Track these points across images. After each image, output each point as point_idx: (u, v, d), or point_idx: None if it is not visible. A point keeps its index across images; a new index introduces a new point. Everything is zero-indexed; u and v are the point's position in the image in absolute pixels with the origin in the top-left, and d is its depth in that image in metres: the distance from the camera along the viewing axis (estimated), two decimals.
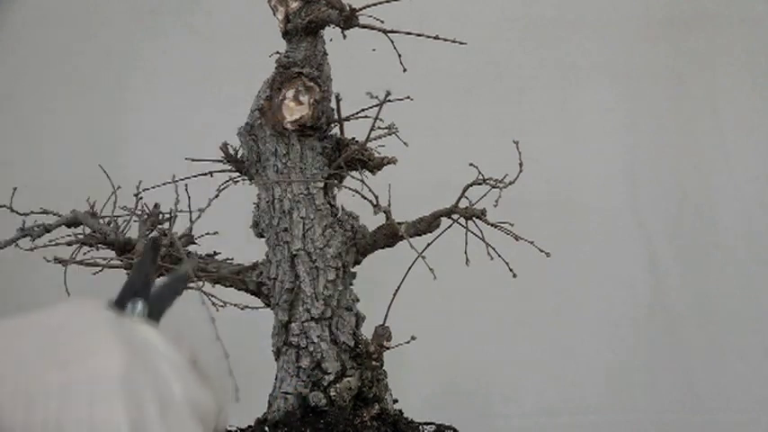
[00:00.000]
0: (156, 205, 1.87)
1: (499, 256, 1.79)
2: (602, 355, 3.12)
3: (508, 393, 3.10)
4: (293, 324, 1.82)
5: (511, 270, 1.79)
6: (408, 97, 1.77)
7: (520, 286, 3.01)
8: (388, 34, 1.70)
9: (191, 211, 1.78)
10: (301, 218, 1.81)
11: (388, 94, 1.73)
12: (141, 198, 1.85)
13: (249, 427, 1.85)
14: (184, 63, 3.14)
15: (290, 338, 1.82)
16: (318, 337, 1.81)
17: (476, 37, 3.18)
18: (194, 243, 1.86)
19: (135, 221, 1.83)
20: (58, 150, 3.07)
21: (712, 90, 3.20)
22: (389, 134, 1.83)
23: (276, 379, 1.86)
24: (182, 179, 1.80)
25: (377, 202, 1.82)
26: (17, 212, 1.79)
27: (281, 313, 1.82)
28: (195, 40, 3.15)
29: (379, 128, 1.81)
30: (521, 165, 1.79)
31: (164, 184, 1.84)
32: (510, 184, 1.81)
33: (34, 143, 3.08)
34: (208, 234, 1.85)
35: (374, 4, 1.67)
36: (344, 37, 1.71)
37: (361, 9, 1.69)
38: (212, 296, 1.74)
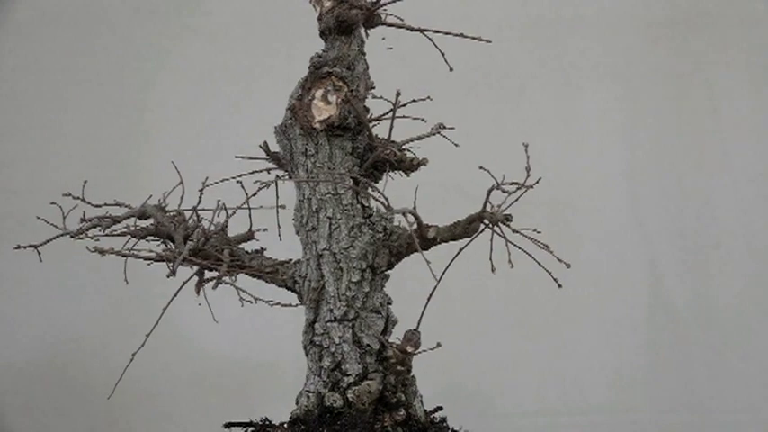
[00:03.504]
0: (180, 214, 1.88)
1: (536, 261, 1.76)
2: (602, 354, 3.12)
3: (508, 393, 3.10)
4: (317, 324, 1.82)
5: (555, 280, 1.77)
6: (429, 97, 1.76)
7: (520, 287, 3.02)
8: (425, 33, 1.70)
9: (249, 208, 1.79)
10: (328, 218, 1.81)
11: (399, 94, 1.73)
12: (203, 194, 1.86)
13: (284, 422, 1.85)
14: (184, 63, 3.14)
15: (314, 337, 1.83)
16: (340, 337, 1.80)
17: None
18: (253, 239, 1.88)
19: (204, 219, 1.85)
20: (58, 150, 3.07)
21: (712, 90, 3.20)
22: (434, 134, 1.83)
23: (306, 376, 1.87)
24: (237, 177, 1.82)
25: (388, 203, 1.81)
26: (90, 204, 1.81)
27: (308, 312, 1.83)
28: (195, 40, 3.15)
29: (432, 129, 1.84)
30: (528, 169, 1.76)
31: (222, 180, 1.85)
32: (521, 187, 1.79)
33: (34, 143, 3.08)
34: (260, 230, 1.87)
35: (386, 3, 1.68)
36: (367, 36, 1.72)
37: (376, 8, 1.70)
38: (244, 291, 1.75)
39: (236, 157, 1.90)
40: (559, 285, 1.76)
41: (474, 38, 1.70)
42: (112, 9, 3.13)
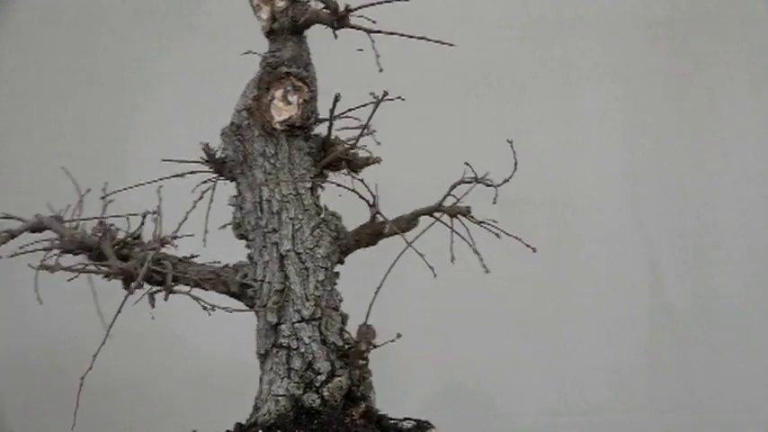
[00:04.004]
0: (102, 223, 1.78)
1: (476, 252, 1.78)
2: (603, 354, 3.12)
3: (508, 393, 3.10)
4: (283, 325, 1.81)
5: (484, 266, 1.77)
6: (400, 97, 1.76)
7: (520, 287, 3.02)
8: (379, 34, 1.69)
9: (159, 214, 1.74)
10: (290, 219, 1.81)
11: (386, 94, 1.73)
12: (111, 201, 1.80)
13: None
14: (184, 63, 3.14)
15: (279, 340, 1.81)
16: (309, 337, 1.81)
17: (476, 37, 3.20)
18: (171, 245, 1.80)
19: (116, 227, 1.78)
20: (58, 150, 3.07)
21: (712, 90, 3.20)
22: (366, 135, 1.83)
23: (261, 382, 1.85)
24: (155, 180, 1.78)
25: (374, 201, 1.83)
26: None
27: (270, 315, 1.81)
28: (195, 40, 3.15)
29: (359, 128, 1.82)
30: (516, 164, 1.78)
31: (136, 185, 1.82)
32: (505, 182, 1.81)
33: (34, 143, 3.08)
34: (186, 236, 1.80)
35: (369, 5, 1.67)
36: (336, 37, 1.71)
37: (355, 9, 1.69)
38: (200, 300, 1.71)
39: (164, 160, 1.88)
40: (486, 271, 1.76)
41: (435, 41, 1.68)
42: (112, 9, 3.13)
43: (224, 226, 1.86)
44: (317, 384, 1.80)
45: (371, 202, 1.84)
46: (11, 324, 3.02)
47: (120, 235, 1.78)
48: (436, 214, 1.86)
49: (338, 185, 1.88)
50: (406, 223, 1.86)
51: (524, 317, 3.09)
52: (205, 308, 1.70)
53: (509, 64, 3.18)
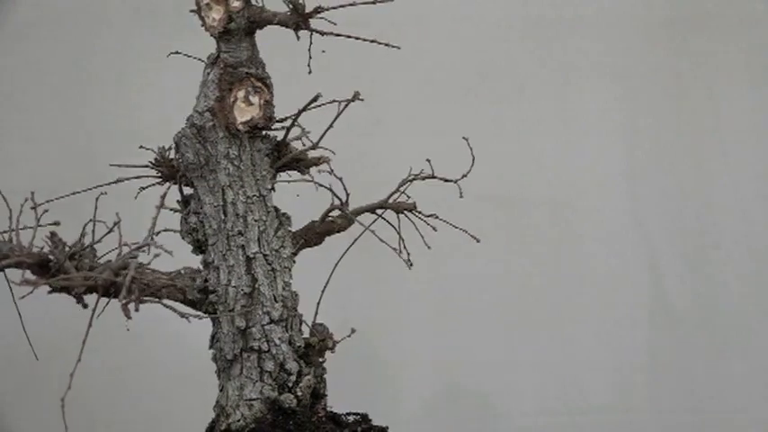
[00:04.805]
0: (53, 234, 1.69)
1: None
2: (603, 355, 3.12)
3: (508, 393, 3.10)
4: (253, 328, 1.80)
5: (404, 262, 1.77)
6: (359, 97, 1.74)
7: (521, 286, 3.01)
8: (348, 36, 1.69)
9: (95, 221, 1.71)
10: (255, 221, 1.81)
11: (357, 94, 1.73)
12: (47, 211, 1.71)
13: None
14: (184, 63, 3.13)
15: (250, 343, 1.80)
16: (279, 339, 1.81)
17: (476, 37, 3.20)
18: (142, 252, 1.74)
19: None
20: (58, 150, 3.07)
21: (712, 90, 3.20)
22: (301, 136, 1.83)
23: (227, 389, 1.83)
24: (95, 187, 1.77)
25: (347, 199, 1.86)
26: None
27: (239, 319, 1.80)
28: (195, 40, 3.14)
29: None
30: (473, 159, 1.80)
31: (70, 194, 1.81)
32: (463, 177, 1.82)
33: (34, 143, 3.08)
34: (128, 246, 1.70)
35: (339, 6, 1.67)
36: (298, 38, 1.70)
37: (326, 9, 1.68)
38: (173, 309, 1.65)
39: (111, 165, 1.87)
40: (410, 266, 1.82)
41: (381, 43, 1.68)
42: (112, 9, 3.13)
43: (159, 232, 1.75)
44: (290, 385, 1.80)
45: (345, 200, 1.87)
46: (11, 323, 3.02)
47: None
48: (377, 211, 1.90)
49: (320, 185, 1.89)
50: (348, 222, 1.89)
51: (524, 317, 3.09)
52: (183, 316, 1.63)
53: (509, 64, 3.18)
